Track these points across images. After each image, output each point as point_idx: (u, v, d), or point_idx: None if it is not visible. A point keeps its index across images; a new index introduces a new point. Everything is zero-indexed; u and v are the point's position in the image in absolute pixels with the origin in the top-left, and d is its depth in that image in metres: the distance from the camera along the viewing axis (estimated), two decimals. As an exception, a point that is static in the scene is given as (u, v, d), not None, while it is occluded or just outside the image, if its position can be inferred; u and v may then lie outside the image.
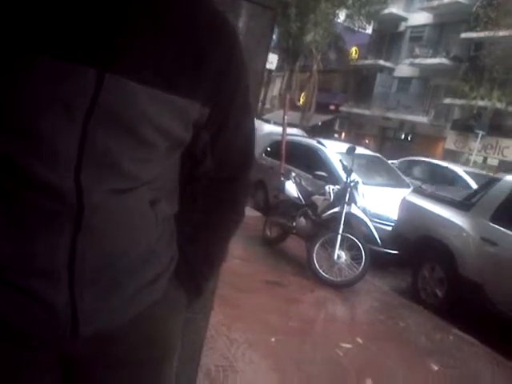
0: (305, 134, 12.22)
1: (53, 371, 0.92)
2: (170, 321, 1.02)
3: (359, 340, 3.91)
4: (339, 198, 5.46)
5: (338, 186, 5.78)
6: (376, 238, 5.41)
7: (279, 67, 25.81)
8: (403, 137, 28.10)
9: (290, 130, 9.58)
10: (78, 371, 0.94)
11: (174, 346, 1.04)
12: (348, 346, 3.74)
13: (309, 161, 8.10)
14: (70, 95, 0.79)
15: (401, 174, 9.22)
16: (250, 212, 7.96)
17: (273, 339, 3.55)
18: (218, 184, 1.04)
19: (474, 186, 8.76)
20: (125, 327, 0.92)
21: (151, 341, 0.98)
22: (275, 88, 34.23)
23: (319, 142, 8.47)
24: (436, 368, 3.69)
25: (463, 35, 23.23)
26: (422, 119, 25.39)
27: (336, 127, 32.13)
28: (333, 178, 6.72)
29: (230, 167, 1.03)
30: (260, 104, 24.05)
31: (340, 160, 6.35)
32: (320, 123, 29.68)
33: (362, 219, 5.48)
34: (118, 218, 0.87)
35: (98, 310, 0.87)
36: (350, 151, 6.04)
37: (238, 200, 1.09)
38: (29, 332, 0.85)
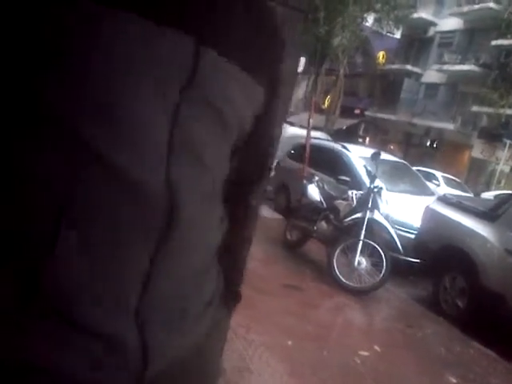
0: (329, 138, 12.17)
1: None
2: (219, 343, 0.91)
3: (377, 348, 3.88)
4: (362, 204, 5.42)
5: (361, 192, 5.74)
6: (398, 246, 5.36)
7: (305, 70, 25.76)
8: (429, 144, 27.81)
9: (314, 134, 9.55)
10: None
11: (220, 367, 0.96)
12: (365, 353, 3.71)
13: (332, 165, 8.06)
14: (163, 68, 0.64)
15: (425, 181, 9.12)
16: (272, 214, 7.96)
17: (290, 343, 3.54)
18: (239, 188, 0.95)
19: None
20: (188, 361, 0.77)
21: (204, 367, 0.84)
22: (300, 91, 34.20)
23: (343, 147, 8.43)
24: (454, 381, 3.64)
25: (494, 42, 22.92)
26: (448, 126, 25.10)
27: (360, 132, 31.96)
28: (356, 184, 6.67)
29: (252, 168, 0.96)
30: (285, 106, 23.95)
31: (364, 165, 6.31)
32: (344, 127, 29.53)
33: (385, 226, 5.43)
34: (199, 231, 0.71)
35: (165, 345, 0.70)
36: (375, 157, 5.99)
37: (257, 204, 1.04)
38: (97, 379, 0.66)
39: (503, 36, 22.16)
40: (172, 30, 0.64)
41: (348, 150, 8.30)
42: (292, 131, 11.58)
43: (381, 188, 5.61)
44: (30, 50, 0.60)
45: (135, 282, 0.65)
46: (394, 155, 10.84)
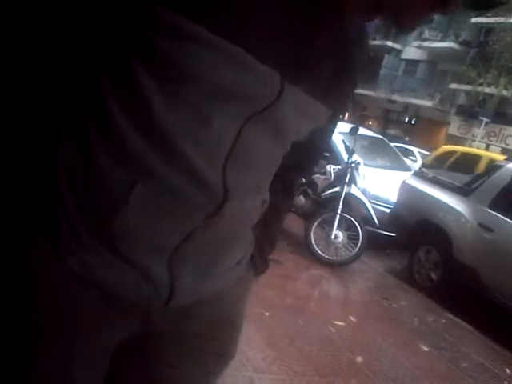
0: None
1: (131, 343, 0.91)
2: (241, 300, 1.04)
3: (352, 318, 3.97)
4: (339, 178, 5.47)
5: (338, 166, 5.79)
6: (374, 220, 5.44)
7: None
8: (407, 120, 27.99)
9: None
10: (147, 346, 0.94)
11: (241, 324, 1.04)
12: (341, 323, 3.79)
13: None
14: (248, 94, 0.76)
15: (402, 156, 9.21)
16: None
17: (267, 314, 3.60)
18: (287, 171, 1.03)
19: None
20: (201, 304, 0.92)
21: (224, 318, 0.98)
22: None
23: (322, 122, 8.43)
24: (426, 349, 3.75)
25: (474, 20, 22.97)
26: (426, 103, 25.25)
27: (340, 107, 31.95)
28: (334, 158, 6.70)
29: (303, 157, 1.04)
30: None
31: (342, 140, 6.34)
32: (324, 103, 29.48)
33: (362, 200, 5.50)
34: (239, 217, 0.87)
35: (191, 286, 0.87)
36: (353, 131, 6.02)
37: (296, 184, 1.15)
38: (124, 299, 0.83)
39: (483, 14, 22.22)
40: (267, 67, 0.75)
41: (327, 124, 8.30)
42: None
43: (358, 163, 5.66)
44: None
45: (175, 238, 0.81)
46: (373, 131, 10.91)
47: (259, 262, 1.07)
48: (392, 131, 26.26)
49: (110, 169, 0.77)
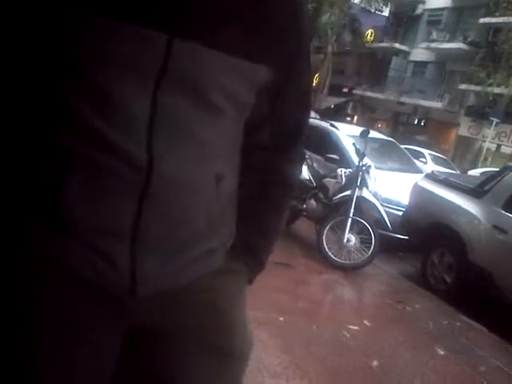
0: (317, 116, 12.15)
1: (117, 335, 0.92)
2: (232, 292, 1.02)
3: (366, 322, 3.95)
4: (351, 182, 5.45)
5: (349, 170, 5.77)
6: (386, 223, 5.41)
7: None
8: (416, 122, 27.88)
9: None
10: (144, 342, 0.95)
11: (237, 317, 1.03)
12: (355, 328, 3.77)
13: (321, 143, 8.04)
14: (140, 60, 0.79)
15: (413, 158, 9.17)
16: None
17: (281, 319, 3.60)
18: (273, 156, 1.03)
19: None
20: (186, 294, 0.93)
21: (214, 308, 0.97)
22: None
23: (332, 125, 8.42)
24: (442, 353, 3.72)
25: (482, 20, 22.83)
26: (436, 105, 25.14)
27: (349, 110, 31.91)
28: (345, 161, 6.68)
29: (285, 135, 1.03)
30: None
31: (353, 143, 6.32)
32: (333, 106, 29.48)
33: (373, 203, 5.48)
34: (184, 188, 0.87)
35: (155, 272, 0.88)
36: (364, 134, 6.00)
37: (291, 173, 1.09)
38: (95, 285, 0.87)
39: (492, 14, 22.09)
40: (149, 29, 0.78)
41: (336, 128, 8.29)
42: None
43: (369, 166, 5.64)
44: (45, 53, 0.81)
45: (126, 217, 0.84)
46: (382, 133, 10.87)
47: (250, 259, 1.04)
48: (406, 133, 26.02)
49: (48, 157, 0.83)
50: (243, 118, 0.93)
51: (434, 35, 25.98)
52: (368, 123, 24.78)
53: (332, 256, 5.23)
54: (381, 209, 5.49)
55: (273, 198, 1.06)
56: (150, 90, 0.80)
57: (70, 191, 0.82)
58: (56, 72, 0.81)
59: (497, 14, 21.55)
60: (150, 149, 0.81)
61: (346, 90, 30.90)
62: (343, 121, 17.72)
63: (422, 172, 8.03)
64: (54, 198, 0.83)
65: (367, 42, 29.75)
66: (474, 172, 16.07)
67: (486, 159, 21.80)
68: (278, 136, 1.01)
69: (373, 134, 7.57)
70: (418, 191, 6.20)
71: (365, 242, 5.26)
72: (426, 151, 18.20)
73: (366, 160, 5.71)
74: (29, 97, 0.84)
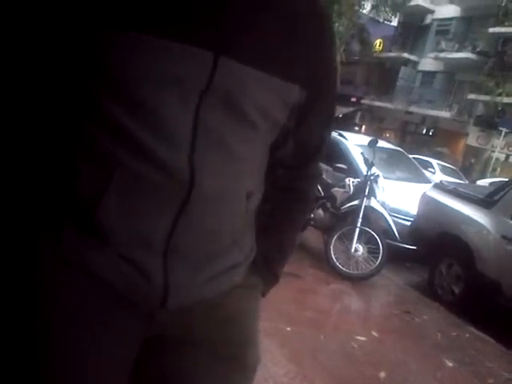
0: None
1: (135, 343, 0.94)
2: (248, 306, 1.04)
3: (374, 333, 3.93)
4: (359, 191, 5.45)
5: (358, 179, 5.77)
6: (394, 233, 5.40)
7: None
8: (425, 131, 27.82)
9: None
10: (160, 351, 0.96)
11: (252, 330, 1.04)
12: (363, 338, 3.76)
13: (329, 153, 7.99)
14: (186, 77, 0.81)
15: (421, 168, 9.14)
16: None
17: (289, 329, 3.59)
18: (293, 172, 1.06)
19: None
20: (205, 307, 0.95)
21: (231, 322, 0.99)
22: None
23: (340, 134, 8.43)
24: (450, 364, 3.70)
25: (491, 30, 22.83)
26: (444, 114, 25.10)
27: (357, 120, 31.92)
28: (353, 171, 6.69)
29: (307, 152, 1.05)
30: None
31: (361, 153, 6.32)
32: (341, 115, 29.48)
33: (381, 213, 5.47)
34: (220, 202, 0.88)
35: (185, 285, 0.90)
36: (372, 144, 6.00)
37: (310, 189, 1.12)
38: (127, 296, 0.88)
39: (501, 24, 22.08)
40: (194, 47, 0.81)
41: (345, 137, 8.29)
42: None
43: (377, 175, 5.64)
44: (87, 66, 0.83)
45: (161, 229, 0.85)
46: (391, 143, 10.86)
47: (266, 272, 1.07)
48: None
49: (88, 166, 0.85)
50: (274, 136, 0.96)
51: (443, 45, 26.01)
52: (376, 133, 24.77)
53: (340, 266, 5.21)
54: (389, 219, 5.47)
55: (291, 214, 1.09)
56: (193, 105, 0.82)
57: (108, 203, 0.84)
58: (99, 84, 0.82)
59: (506, 23, 21.55)
60: (191, 162, 0.83)
61: (354, 99, 30.91)
62: (351, 130, 17.70)
63: (430, 182, 8.01)
64: (93, 209, 0.84)
65: (376, 51, 29.78)
66: (483, 182, 15.99)
67: (494, 169, 21.69)
68: (299, 152, 1.03)
69: (381, 143, 7.58)
70: (426, 201, 6.19)
71: (372, 251, 5.24)
72: (434, 161, 18.15)
73: (374, 169, 5.71)
74: (74, 107, 0.86)
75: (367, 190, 5.38)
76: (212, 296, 0.95)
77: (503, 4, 21.88)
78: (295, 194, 1.08)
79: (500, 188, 5.66)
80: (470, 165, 23.66)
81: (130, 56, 0.80)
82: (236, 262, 0.97)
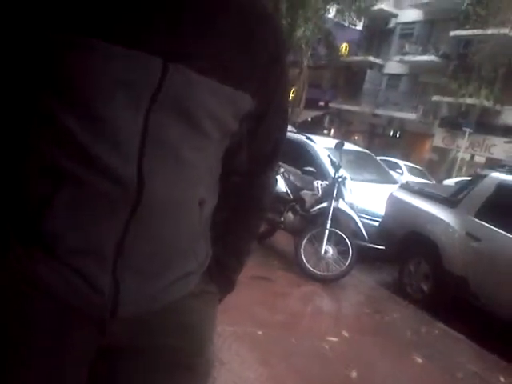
0: (294, 130, 12.22)
1: (89, 352, 0.92)
2: (204, 314, 1.03)
3: (345, 333, 3.96)
4: (327, 194, 5.50)
5: (326, 182, 5.81)
6: (363, 234, 5.46)
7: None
8: (392, 134, 28.25)
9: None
10: (113, 359, 0.94)
11: (207, 338, 1.04)
12: (334, 339, 3.78)
13: (298, 156, 8.07)
14: (134, 83, 0.81)
15: (388, 169, 9.27)
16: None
17: (260, 332, 3.58)
18: (248, 180, 1.06)
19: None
20: (159, 315, 0.94)
21: (184, 328, 0.98)
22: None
23: (308, 138, 8.48)
24: (420, 361, 3.75)
25: (453, 33, 23.36)
26: (410, 116, 25.54)
27: (325, 124, 32.20)
28: (321, 174, 6.74)
29: (261, 160, 1.06)
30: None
31: (328, 155, 6.38)
32: (309, 119, 29.71)
33: (350, 215, 5.52)
34: (171, 210, 0.88)
35: (137, 294, 0.89)
36: (339, 146, 6.07)
37: (265, 196, 1.12)
38: (75, 307, 0.87)
39: (462, 27, 22.59)
40: (145, 54, 0.81)
41: (313, 141, 8.35)
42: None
43: (345, 177, 5.70)
44: (36, 71, 0.82)
45: (111, 239, 0.84)
46: (359, 145, 10.99)
47: (222, 280, 1.07)
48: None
49: (34, 177, 0.84)
50: (225, 144, 0.96)
51: (407, 48, 26.49)
52: (345, 136, 25.05)
53: (310, 268, 5.24)
54: (357, 220, 5.53)
55: (247, 221, 1.10)
56: (142, 111, 0.82)
57: (55, 213, 0.82)
58: (48, 89, 0.81)
59: (467, 26, 22.05)
60: (140, 169, 0.82)
61: (322, 103, 31.19)
62: (320, 134, 17.87)
63: (397, 182, 8.13)
64: (38, 220, 0.83)
65: (342, 55, 30.13)
66: (449, 182, 16.33)
67: (460, 169, 22.17)
68: (254, 160, 1.04)
69: (348, 146, 7.66)
70: (393, 201, 6.28)
71: (342, 253, 5.28)
72: (401, 162, 18.45)
73: (341, 172, 5.76)
74: (19, 111, 0.85)
75: (335, 192, 5.42)
76: (165, 304, 0.94)
77: (464, 8, 22.42)
78: (251, 202, 1.09)
79: (463, 187, 5.79)
80: (430, 163, 24.05)
81: (79, 60, 0.79)
82: (190, 269, 0.97)
